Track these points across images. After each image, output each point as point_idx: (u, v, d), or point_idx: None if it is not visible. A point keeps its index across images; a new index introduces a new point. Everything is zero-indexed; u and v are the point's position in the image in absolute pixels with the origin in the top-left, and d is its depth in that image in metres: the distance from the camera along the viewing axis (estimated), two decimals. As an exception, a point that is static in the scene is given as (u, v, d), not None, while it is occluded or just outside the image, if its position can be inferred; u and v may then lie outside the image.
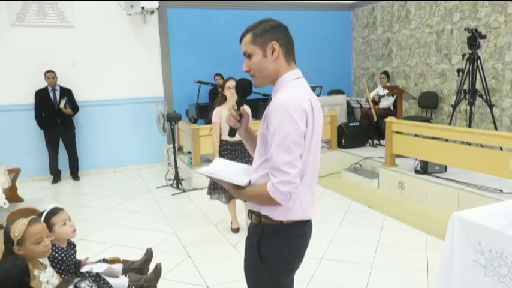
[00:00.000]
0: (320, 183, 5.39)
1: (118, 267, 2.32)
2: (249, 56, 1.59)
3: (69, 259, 2.14)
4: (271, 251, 1.59)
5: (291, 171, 1.44)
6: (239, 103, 1.68)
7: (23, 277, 1.63)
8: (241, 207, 4.18)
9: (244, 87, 1.68)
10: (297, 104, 1.46)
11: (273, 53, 1.56)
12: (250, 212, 1.65)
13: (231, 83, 3.51)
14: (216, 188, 3.87)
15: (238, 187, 1.59)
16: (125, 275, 2.29)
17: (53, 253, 2.04)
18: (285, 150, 1.44)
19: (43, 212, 2.16)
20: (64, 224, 2.16)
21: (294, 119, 1.44)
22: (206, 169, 1.62)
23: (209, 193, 3.98)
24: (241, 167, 1.76)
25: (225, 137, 3.72)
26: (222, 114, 3.75)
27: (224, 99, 3.80)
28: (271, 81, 1.61)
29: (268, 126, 1.49)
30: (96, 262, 2.30)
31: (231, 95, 3.62)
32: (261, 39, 1.56)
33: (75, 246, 2.28)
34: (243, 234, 3.37)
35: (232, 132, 1.72)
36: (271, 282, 1.62)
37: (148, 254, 2.52)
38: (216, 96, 6.90)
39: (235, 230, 4.04)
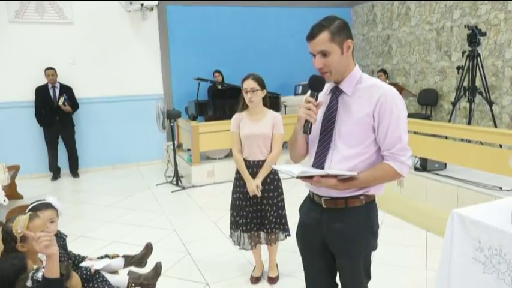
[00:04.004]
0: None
1: (118, 262, 2.32)
2: (324, 54, 1.58)
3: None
4: (376, 223, 1.76)
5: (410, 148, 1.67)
6: (316, 97, 1.61)
7: (21, 276, 1.62)
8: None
9: (319, 83, 1.63)
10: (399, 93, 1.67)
11: (348, 50, 1.61)
12: (344, 199, 1.67)
13: (248, 84, 2.77)
14: (236, 228, 2.96)
15: (346, 180, 1.59)
16: (126, 267, 2.30)
17: None
18: (406, 131, 1.64)
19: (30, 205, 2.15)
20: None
21: (405, 104, 1.66)
22: (301, 171, 1.52)
23: (231, 235, 3.05)
24: (297, 165, 1.73)
25: (246, 155, 2.90)
26: (241, 121, 2.89)
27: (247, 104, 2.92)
28: (341, 76, 1.65)
29: (383, 112, 1.60)
30: (98, 258, 2.31)
31: (249, 99, 2.79)
32: (339, 37, 1.57)
33: (64, 239, 2.26)
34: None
35: (308, 127, 1.61)
36: (372, 252, 1.79)
37: (148, 248, 2.52)
38: (215, 93, 6.93)
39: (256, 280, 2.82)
